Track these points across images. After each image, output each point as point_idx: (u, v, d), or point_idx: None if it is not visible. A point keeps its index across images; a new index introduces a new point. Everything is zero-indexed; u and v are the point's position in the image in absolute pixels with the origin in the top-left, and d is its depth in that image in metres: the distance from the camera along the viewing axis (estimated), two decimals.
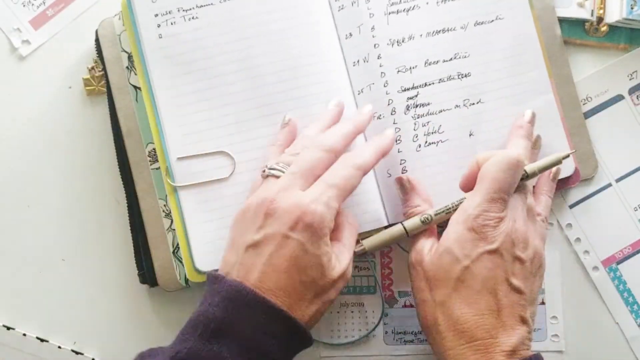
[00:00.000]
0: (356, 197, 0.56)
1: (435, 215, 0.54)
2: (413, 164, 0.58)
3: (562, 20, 0.61)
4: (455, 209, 0.53)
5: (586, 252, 0.61)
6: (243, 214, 0.50)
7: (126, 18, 0.59)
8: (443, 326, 0.50)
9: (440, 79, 0.59)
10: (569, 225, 0.61)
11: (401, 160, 0.58)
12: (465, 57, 0.59)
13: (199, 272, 0.56)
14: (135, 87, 0.59)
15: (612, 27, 0.62)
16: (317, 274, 0.48)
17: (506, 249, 0.50)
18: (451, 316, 0.50)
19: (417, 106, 0.59)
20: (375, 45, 0.59)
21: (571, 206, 0.62)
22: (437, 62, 0.59)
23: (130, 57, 0.59)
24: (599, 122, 0.61)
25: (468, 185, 0.54)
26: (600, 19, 0.61)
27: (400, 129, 0.58)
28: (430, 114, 0.59)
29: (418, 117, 0.59)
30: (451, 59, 0.59)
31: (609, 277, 0.61)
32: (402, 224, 0.55)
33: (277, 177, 0.50)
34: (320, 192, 0.49)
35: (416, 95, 0.59)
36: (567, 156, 0.55)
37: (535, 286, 0.52)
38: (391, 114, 0.59)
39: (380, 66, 0.59)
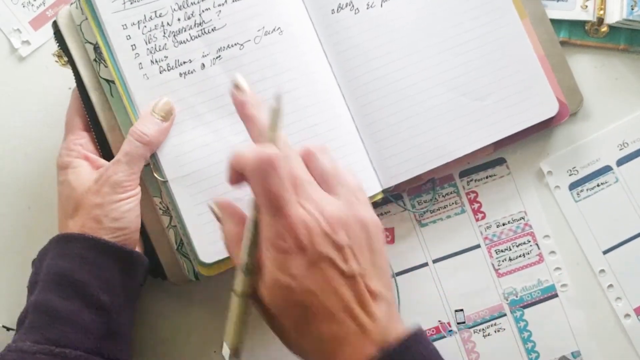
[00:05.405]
0: (347, 167, 0.56)
1: (249, 256, 0.46)
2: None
3: (563, 21, 0.61)
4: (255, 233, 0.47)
5: (618, 298, 0.61)
6: None
7: (85, 6, 0.55)
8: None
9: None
10: (602, 271, 0.61)
11: None
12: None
13: (204, 265, 0.55)
14: (108, 81, 0.56)
15: (613, 28, 0.61)
16: (67, 191, 0.54)
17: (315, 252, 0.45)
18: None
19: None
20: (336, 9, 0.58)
21: (605, 252, 0.61)
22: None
23: (96, 48, 0.56)
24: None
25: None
26: (600, 20, 0.61)
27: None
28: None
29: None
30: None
31: None
32: (232, 291, 0.47)
33: None
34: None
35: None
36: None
37: (373, 258, 0.47)
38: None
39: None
